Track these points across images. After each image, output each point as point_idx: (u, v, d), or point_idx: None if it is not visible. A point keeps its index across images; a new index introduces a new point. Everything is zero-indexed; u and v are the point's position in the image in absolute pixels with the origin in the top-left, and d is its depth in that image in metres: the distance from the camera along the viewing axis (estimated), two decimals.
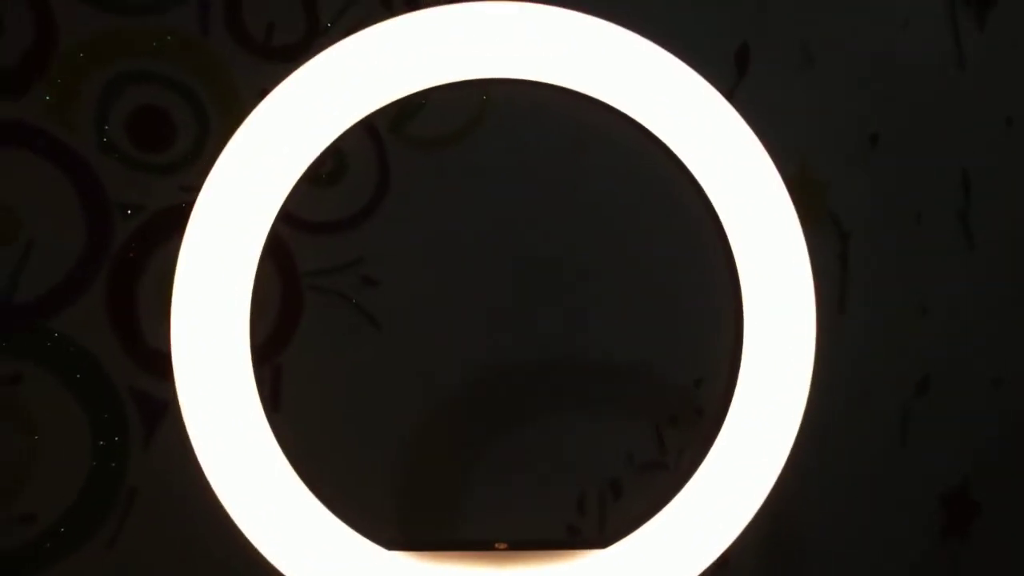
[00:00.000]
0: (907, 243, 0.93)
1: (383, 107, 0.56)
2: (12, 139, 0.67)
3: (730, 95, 0.84)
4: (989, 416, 0.96)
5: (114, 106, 0.69)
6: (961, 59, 0.94)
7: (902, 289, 0.93)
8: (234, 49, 0.72)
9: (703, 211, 0.55)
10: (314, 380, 0.73)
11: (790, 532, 0.90)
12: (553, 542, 0.48)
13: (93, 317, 0.68)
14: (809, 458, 0.87)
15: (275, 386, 0.71)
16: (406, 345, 0.75)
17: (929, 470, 0.94)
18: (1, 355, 0.67)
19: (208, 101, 0.71)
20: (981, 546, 0.96)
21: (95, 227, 0.68)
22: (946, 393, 0.94)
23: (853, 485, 0.91)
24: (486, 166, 0.77)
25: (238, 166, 0.49)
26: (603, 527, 0.76)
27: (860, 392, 0.91)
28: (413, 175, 0.75)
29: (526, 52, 0.52)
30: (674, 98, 0.52)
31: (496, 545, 0.49)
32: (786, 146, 0.85)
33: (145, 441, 0.69)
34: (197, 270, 0.49)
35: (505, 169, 0.77)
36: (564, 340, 0.80)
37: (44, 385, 0.67)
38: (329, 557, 0.47)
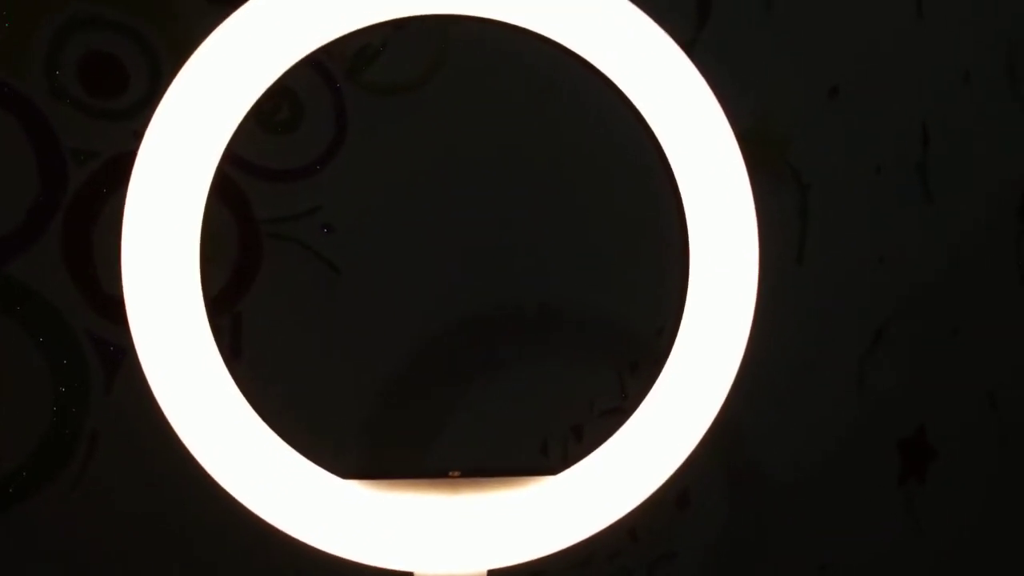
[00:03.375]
0: (866, 195, 0.95)
1: (337, 48, 0.56)
2: None
3: (691, 44, 0.85)
4: (946, 365, 0.99)
5: (64, 52, 0.69)
6: (919, 10, 0.95)
7: (860, 240, 0.95)
8: None
9: (660, 162, 0.56)
10: (275, 327, 0.74)
11: (749, 475, 0.93)
12: (505, 469, 0.50)
13: (49, 263, 0.68)
14: (769, 405, 0.91)
15: (235, 334, 0.72)
16: (367, 292, 0.76)
17: (887, 417, 0.97)
18: None
19: (160, 46, 0.71)
20: (936, 490, 0.99)
21: (48, 173, 0.68)
22: (903, 342, 0.97)
23: (812, 432, 0.94)
24: (445, 113, 0.77)
25: (181, 108, 0.50)
26: (565, 465, 0.78)
27: (818, 340, 0.94)
28: (371, 122, 0.76)
29: None
30: (632, 47, 0.53)
31: (450, 473, 0.50)
32: (746, 98, 0.87)
33: (106, 386, 0.70)
34: (144, 215, 0.50)
35: (465, 115, 0.78)
36: (526, 288, 0.81)
37: (3, 329, 0.68)
38: (287, 486, 0.49)
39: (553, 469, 0.50)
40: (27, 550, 0.69)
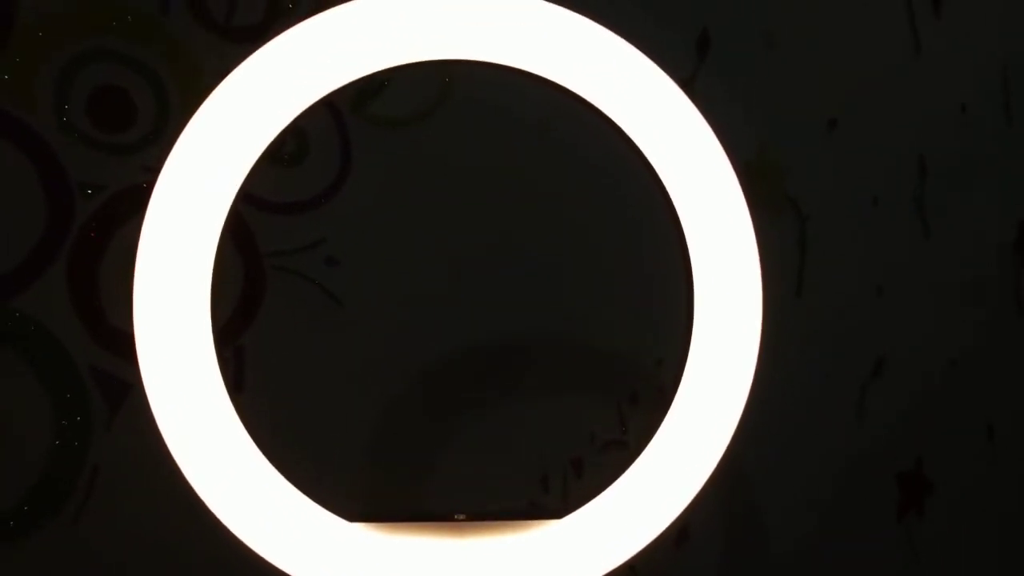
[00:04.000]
0: (864, 227, 0.96)
1: (344, 87, 0.57)
2: None
3: (691, 81, 0.86)
4: (944, 397, 1.00)
5: (73, 86, 0.70)
6: (917, 45, 0.97)
7: (859, 272, 0.96)
8: (195, 28, 0.72)
9: (660, 195, 0.57)
10: (277, 360, 0.74)
11: (749, 509, 0.93)
12: (510, 513, 0.51)
13: (55, 297, 0.69)
14: (767, 438, 0.91)
15: (238, 367, 0.72)
16: (369, 325, 0.77)
17: (885, 449, 0.98)
18: None
19: (168, 81, 0.72)
20: (935, 523, 0.99)
21: (56, 207, 0.69)
22: (901, 374, 0.97)
23: (812, 465, 0.94)
24: (448, 147, 0.78)
25: (198, 146, 0.50)
26: (566, 504, 0.78)
27: (817, 373, 0.94)
28: (375, 156, 0.76)
29: (488, 35, 0.53)
30: (631, 86, 0.54)
31: (455, 516, 0.51)
32: (745, 131, 0.88)
33: (108, 420, 0.70)
34: (158, 251, 0.50)
35: (467, 150, 0.79)
36: (527, 321, 0.82)
37: (6, 364, 0.68)
38: (293, 529, 0.49)
39: (557, 513, 0.50)
40: None
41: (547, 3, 0.55)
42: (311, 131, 0.75)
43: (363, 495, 0.75)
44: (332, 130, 0.76)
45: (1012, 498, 1.03)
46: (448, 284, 0.79)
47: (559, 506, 0.77)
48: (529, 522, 0.50)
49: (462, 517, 0.50)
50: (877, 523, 0.98)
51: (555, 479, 0.81)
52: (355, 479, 0.75)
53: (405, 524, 0.50)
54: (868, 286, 0.96)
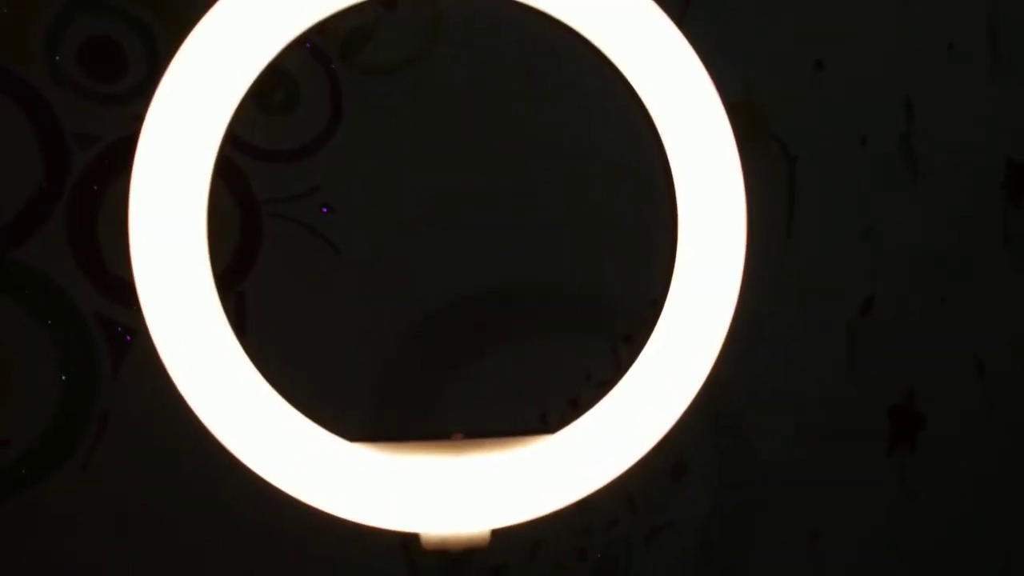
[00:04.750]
0: (852, 168, 0.97)
1: (332, 29, 0.58)
2: None
3: (680, 19, 0.87)
4: (934, 333, 1.02)
5: (64, 37, 0.71)
6: None
7: (848, 212, 0.97)
8: None
9: (650, 133, 0.58)
10: (278, 304, 0.76)
11: (743, 445, 0.96)
12: (504, 431, 0.53)
13: (55, 247, 0.70)
14: (759, 376, 0.93)
15: (240, 312, 0.74)
16: (367, 270, 0.78)
17: (876, 385, 1.00)
18: None
19: (158, 30, 0.73)
20: (926, 457, 1.02)
21: (52, 158, 0.70)
22: (891, 311, 0.99)
23: (803, 402, 0.96)
24: (440, 90, 0.79)
25: (181, 88, 0.51)
26: None
27: (808, 312, 0.96)
28: (366, 101, 0.78)
29: None
30: (623, 19, 0.54)
31: (453, 435, 0.53)
32: (732, 73, 0.89)
33: (114, 366, 0.72)
34: (150, 196, 0.51)
35: (459, 92, 0.80)
36: (522, 263, 0.83)
37: (11, 315, 0.70)
38: (297, 451, 0.51)
39: (549, 429, 0.53)
40: (41, 530, 0.72)
41: None
42: (301, 79, 0.77)
43: (363, 421, 0.77)
44: (322, 77, 0.77)
45: (1002, 431, 1.06)
46: (443, 228, 0.81)
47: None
48: (523, 438, 0.52)
49: (460, 435, 0.53)
50: (869, 457, 1.00)
51: (553, 417, 0.84)
52: (358, 407, 0.78)
53: (404, 443, 0.52)
54: (857, 225, 0.98)
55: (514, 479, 0.51)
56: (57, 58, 0.70)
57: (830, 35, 0.95)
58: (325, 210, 0.78)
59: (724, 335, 0.55)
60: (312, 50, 0.75)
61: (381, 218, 0.79)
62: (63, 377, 0.71)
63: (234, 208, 0.75)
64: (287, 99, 0.76)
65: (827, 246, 0.96)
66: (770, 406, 0.95)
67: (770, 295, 0.94)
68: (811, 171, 0.95)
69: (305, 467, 0.51)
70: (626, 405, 0.53)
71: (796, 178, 0.95)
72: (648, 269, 0.87)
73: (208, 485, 0.71)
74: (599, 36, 0.54)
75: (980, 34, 1.00)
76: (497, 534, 0.54)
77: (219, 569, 0.75)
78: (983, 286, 1.04)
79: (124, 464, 0.72)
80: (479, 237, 0.81)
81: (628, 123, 0.60)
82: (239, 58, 0.52)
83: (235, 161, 0.74)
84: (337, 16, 0.55)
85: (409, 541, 0.51)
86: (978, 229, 1.03)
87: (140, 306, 0.52)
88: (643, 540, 0.91)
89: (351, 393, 0.78)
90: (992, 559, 1.07)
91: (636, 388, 0.53)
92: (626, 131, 0.73)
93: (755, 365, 0.94)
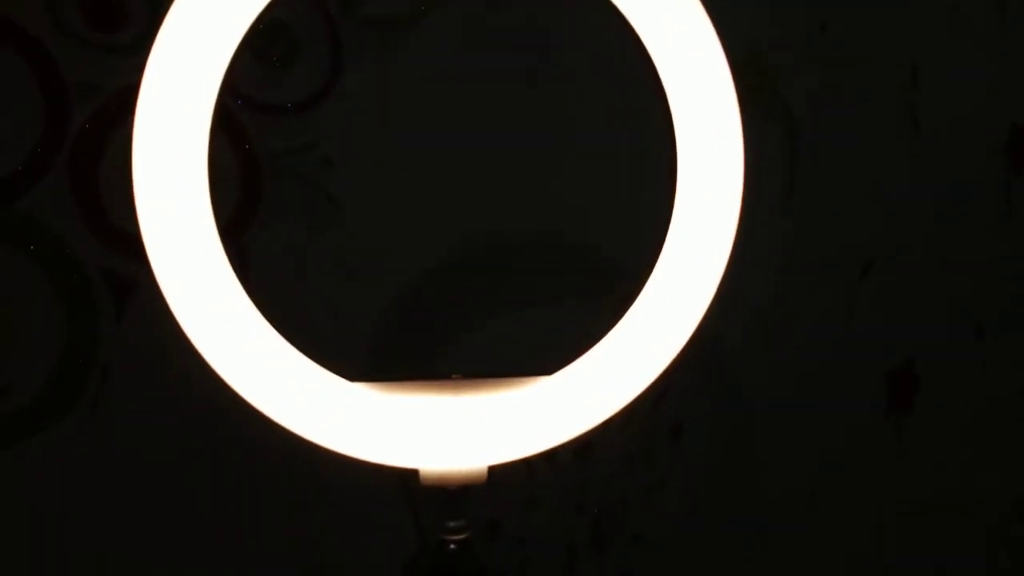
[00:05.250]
0: (855, 128, 0.98)
1: None
2: None
3: None
4: (934, 296, 1.03)
5: None
6: None
7: (850, 173, 0.98)
8: None
9: (655, 87, 0.59)
10: (279, 255, 0.77)
11: (739, 407, 0.97)
12: (503, 372, 0.54)
13: (58, 198, 0.72)
14: (759, 337, 0.95)
15: (243, 261, 0.76)
16: (367, 224, 0.80)
17: (875, 348, 1.01)
18: None
19: None
20: (923, 419, 1.03)
21: (53, 108, 0.71)
22: (892, 274, 1.01)
23: (802, 363, 0.98)
24: (440, 45, 0.80)
25: (178, 38, 0.52)
26: None
27: (808, 272, 0.98)
28: (367, 55, 0.78)
29: None
30: None
31: (452, 376, 0.55)
32: (737, 33, 0.90)
33: (116, 315, 0.74)
34: (152, 146, 0.52)
35: (459, 47, 0.81)
36: (522, 216, 0.85)
37: (14, 265, 0.71)
38: (300, 390, 0.53)
39: (547, 370, 0.54)
40: (47, 477, 0.74)
41: None
42: (301, 32, 0.77)
43: (365, 361, 0.79)
44: (323, 30, 0.78)
45: (999, 395, 1.07)
46: (443, 185, 0.82)
47: None
48: (522, 379, 0.53)
49: (458, 376, 0.54)
50: (866, 419, 1.02)
51: (550, 361, 0.85)
52: (358, 347, 0.79)
53: (404, 383, 0.54)
54: (859, 188, 0.99)
55: (510, 417, 0.52)
56: (57, 7, 0.71)
57: None
58: (324, 163, 0.79)
59: (716, 284, 0.56)
60: (313, 2, 0.76)
61: (380, 171, 0.80)
62: (66, 328, 0.73)
63: (234, 161, 0.76)
64: (287, 52, 0.77)
65: (829, 206, 0.97)
66: (768, 367, 0.97)
67: (770, 255, 0.95)
68: (814, 131, 0.96)
69: (308, 405, 0.52)
70: (620, 349, 0.54)
71: (799, 138, 0.95)
72: (653, 225, 0.89)
73: (212, 427, 0.73)
74: None
75: None
76: (495, 486, 0.56)
77: (224, 508, 0.78)
78: (983, 249, 1.05)
79: (128, 410, 0.74)
80: (480, 189, 0.83)
81: (633, 78, 0.61)
82: (235, 4, 0.53)
83: (235, 114, 0.75)
84: None
85: (408, 477, 0.53)
86: (980, 192, 1.04)
87: (144, 255, 0.53)
88: (641, 496, 0.93)
89: (353, 337, 0.80)
90: (986, 519, 1.09)
91: (629, 334, 0.55)
92: (630, 86, 0.74)
93: (754, 325, 0.95)
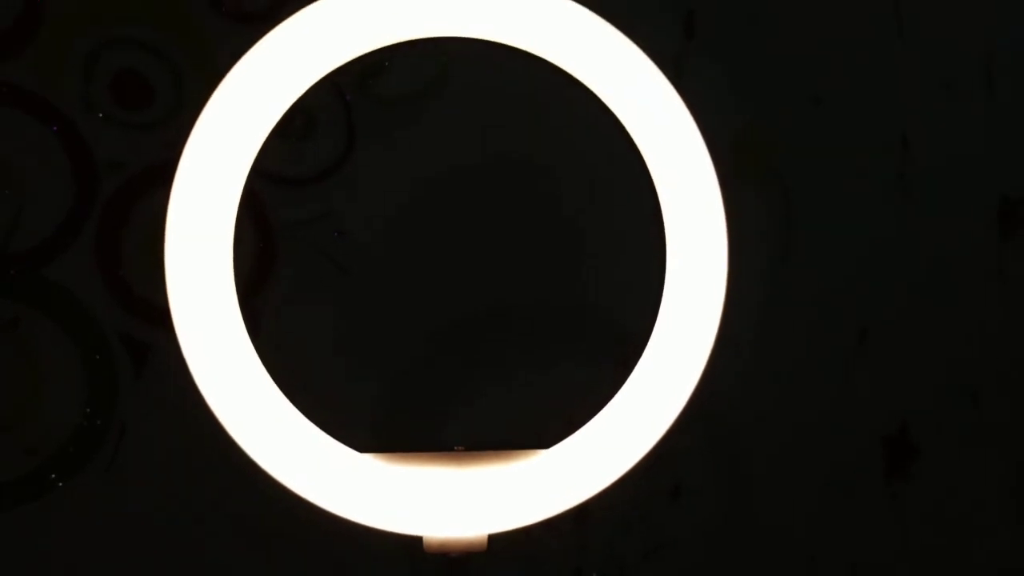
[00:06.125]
0: (849, 200, 1.02)
1: (348, 65, 0.64)
2: (4, 99, 0.76)
3: (679, 57, 0.93)
4: (929, 364, 1.05)
5: (96, 69, 0.78)
6: (900, 24, 1.02)
7: (843, 244, 1.01)
8: (209, 14, 0.80)
9: (643, 173, 0.64)
10: (290, 322, 0.82)
11: (737, 471, 0.99)
12: (502, 444, 0.58)
13: (83, 266, 0.76)
14: (757, 402, 0.97)
15: (254, 329, 0.80)
16: (375, 291, 0.84)
17: (870, 415, 1.03)
18: (0, 300, 0.76)
19: (183, 63, 0.79)
20: (921, 487, 1.05)
21: (82, 182, 0.76)
22: (886, 343, 1.03)
23: (799, 429, 1.00)
24: (447, 124, 0.85)
25: (215, 126, 0.58)
26: None
27: (803, 340, 1.00)
28: (379, 132, 0.84)
29: (483, 15, 0.61)
30: (617, 68, 0.60)
31: (455, 447, 0.59)
32: (732, 109, 0.95)
33: (134, 377, 0.78)
34: (185, 220, 0.57)
35: (465, 126, 0.86)
36: (524, 287, 0.89)
37: (40, 329, 0.76)
38: (311, 460, 0.57)
39: (543, 445, 0.58)
40: (63, 534, 0.77)
41: None
42: (318, 110, 0.83)
43: (371, 433, 0.82)
44: (338, 108, 0.83)
45: (996, 463, 1.09)
46: (449, 253, 0.86)
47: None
48: (521, 452, 0.57)
49: (461, 448, 0.58)
50: (864, 485, 1.03)
51: (548, 434, 0.88)
52: (364, 418, 0.83)
53: (409, 454, 0.58)
54: (853, 258, 1.02)
55: (510, 488, 0.56)
56: (89, 89, 0.77)
57: (827, 71, 0.99)
58: (337, 234, 0.84)
59: (707, 356, 0.60)
60: (329, 83, 0.81)
61: (389, 242, 0.84)
62: (87, 387, 0.77)
63: (250, 231, 0.81)
64: (304, 128, 0.82)
65: (823, 276, 1.00)
66: (766, 432, 0.99)
67: (767, 323, 0.98)
68: (808, 203, 0.99)
69: (318, 475, 0.56)
70: (615, 423, 0.59)
71: (793, 209, 0.99)
72: (647, 295, 0.92)
73: (223, 490, 0.77)
74: (594, 82, 0.61)
75: (977, 72, 1.04)
76: (495, 546, 0.59)
77: (232, 569, 0.81)
78: (978, 317, 1.07)
79: (142, 471, 0.78)
80: (482, 261, 0.87)
81: (624, 159, 0.66)
82: (267, 97, 0.58)
83: (253, 187, 0.80)
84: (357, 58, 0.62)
85: (413, 544, 0.57)
86: (974, 261, 1.07)
87: (162, 320, 0.57)
88: (640, 559, 0.95)
89: (359, 407, 0.84)
90: None
91: (624, 407, 0.59)
92: (622, 165, 0.78)
93: (751, 391, 0.98)
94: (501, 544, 0.59)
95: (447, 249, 0.86)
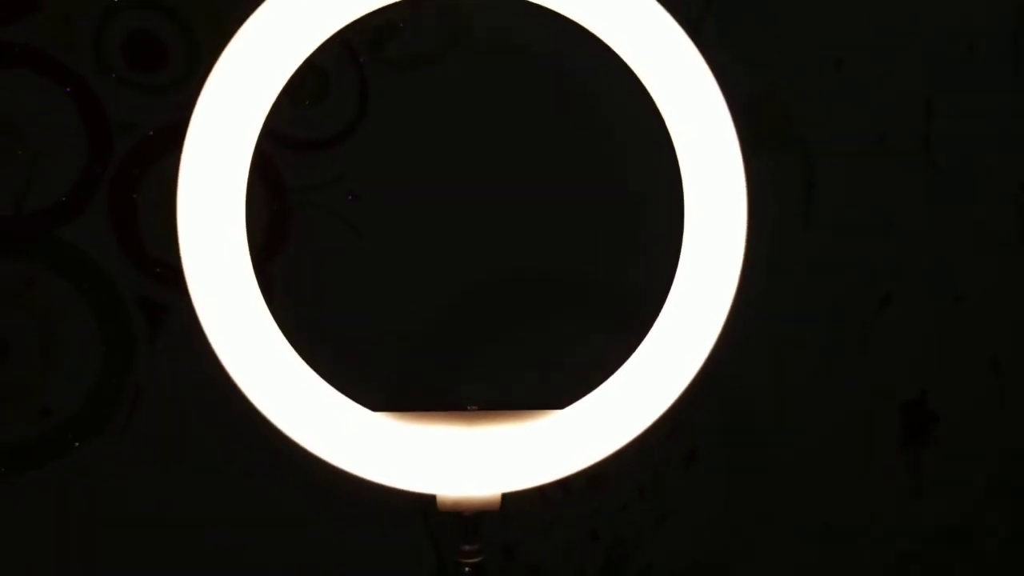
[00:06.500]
0: (870, 165, 1.01)
1: (361, 26, 0.64)
2: (18, 60, 0.76)
3: (701, 20, 0.92)
4: (949, 331, 1.05)
5: (110, 30, 0.78)
6: None
7: (866, 209, 1.01)
8: None
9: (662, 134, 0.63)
10: (304, 283, 0.82)
11: (754, 436, 1.00)
12: (516, 403, 0.59)
13: (97, 227, 0.77)
14: (775, 368, 0.98)
15: (269, 291, 0.80)
16: (388, 253, 0.85)
17: (890, 381, 1.04)
18: (15, 261, 0.76)
19: (196, 25, 0.79)
20: (938, 453, 1.05)
21: (96, 144, 0.77)
22: (908, 308, 1.03)
23: (817, 395, 1.00)
24: (461, 86, 0.85)
25: (226, 86, 0.57)
26: None
27: (824, 306, 1.00)
28: (392, 95, 0.83)
29: None
30: (639, 26, 0.59)
31: (468, 407, 0.59)
32: (754, 71, 0.94)
33: (149, 339, 0.79)
34: (196, 182, 0.57)
35: (479, 88, 0.86)
36: (541, 252, 0.89)
37: (55, 289, 0.77)
38: (325, 419, 0.57)
39: (560, 404, 0.58)
40: (82, 492, 0.79)
41: None
42: (331, 72, 0.83)
43: (386, 392, 0.83)
44: (351, 71, 0.83)
45: (1015, 429, 1.09)
46: (462, 215, 0.86)
47: None
48: (535, 411, 0.58)
49: (475, 407, 0.59)
50: (881, 452, 1.04)
51: (563, 395, 0.89)
52: (379, 379, 0.84)
53: (423, 413, 0.58)
54: (875, 223, 1.01)
55: (523, 448, 0.57)
56: (102, 51, 0.77)
57: (850, 34, 0.98)
58: (350, 197, 0.84)
59: (723, 319, 0.60)
60: (342, 44, 0.81)
61: (402, 204, 0.85)
62: (102, 348, 0.78)
63: (263, 194, 0.82)
64: (317, 91, 0.82)
65: (845, 241, 1.00)
66: (784, 398, 0.99)
67: (787, 288, 0.98)
68: (830, 169, 0.99)
69: (334, 434, 0.57)
70: (630, 385, 0.59)
71: (815, 175, 0.98)
72: (663, 260, 0.92)
73: (238, 450, 0.78)
74: (614, 40, 0.60)
75: (1002, 35, 1.03)
76: (509, 513, 0.60)
77: (247, 528, 0.82)
78: (999, 284, 1.07)
79: (158, 430, 0.79)
80: (497, 224, 0.87)
81: (641, 121, 0.65)
82: (278, 55, 0.58)
83: (266, 150, 0.81)
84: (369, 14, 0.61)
85: (426, 502, 0.57)
86: (995, 227, 1.06)
87: (178, 282, 0.58)
88: (653, 524, 0.96)
89: (375, 368, 0.84)
90: (1004, 554, 1.10)
91: (640, 369, 0.59)
92: (641, 126, 0.78)
93: (769, 357, 0.98)
94: (514, 503, 0.60)
95: (461, 212, 0.86)
